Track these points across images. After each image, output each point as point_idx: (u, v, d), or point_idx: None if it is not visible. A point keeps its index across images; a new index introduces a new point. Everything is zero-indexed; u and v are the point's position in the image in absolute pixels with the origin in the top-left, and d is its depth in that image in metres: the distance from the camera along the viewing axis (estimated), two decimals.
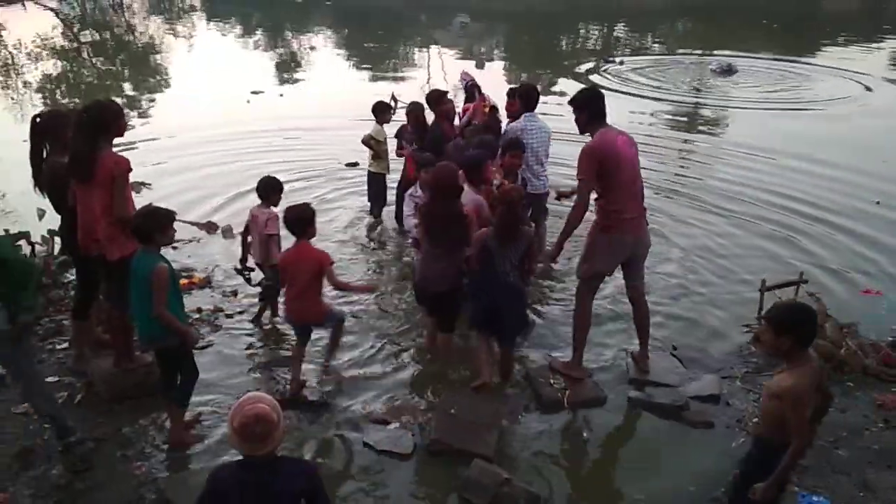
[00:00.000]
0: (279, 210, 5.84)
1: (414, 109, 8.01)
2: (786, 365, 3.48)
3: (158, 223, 4.36)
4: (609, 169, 5.01)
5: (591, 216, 5.29)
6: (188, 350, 4.60)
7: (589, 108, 5.17)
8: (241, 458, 2.94)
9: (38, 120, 5.21)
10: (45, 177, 5.12)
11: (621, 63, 19.32)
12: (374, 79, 17.93)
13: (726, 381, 5.52)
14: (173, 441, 4.67)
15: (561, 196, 6.32)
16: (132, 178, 4.91)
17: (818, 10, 30.48)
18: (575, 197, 5.24)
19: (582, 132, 5.25)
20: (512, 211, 4.93)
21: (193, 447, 4.67)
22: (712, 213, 9.07)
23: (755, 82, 17.52)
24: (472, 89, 8.20)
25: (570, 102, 5.26)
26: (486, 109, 7.65)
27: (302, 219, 5.00)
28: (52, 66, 19.33)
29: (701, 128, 13.67)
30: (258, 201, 6.01)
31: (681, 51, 22.59)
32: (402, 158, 7.97)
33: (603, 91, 5.59)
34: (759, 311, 6.28)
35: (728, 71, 18.45)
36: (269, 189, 5.95)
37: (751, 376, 5.59)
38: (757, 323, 6.21)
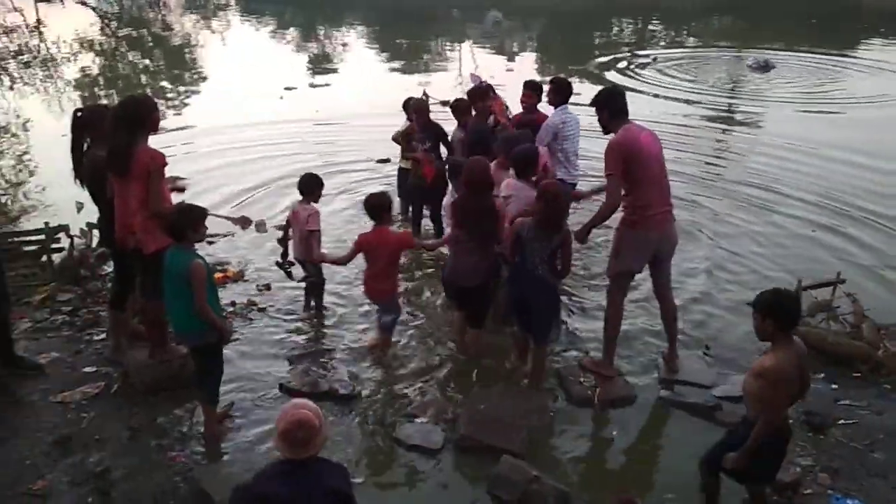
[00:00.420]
0: (318, 206, 6.05)
1: (419, 108, 7.63)
2: (770, 347, 3.72)
3: (191, 220, 4.42)
4: (633, 165, 4.97)
5: (617, 213, 5.25)
6: (222, 344, 4.66)
7: (609, 106, 5.14)
8: (282, 458, 3.04)
9: (79, 114, 5.32)
10: (86, 170, 5.23)
11: (655, 60, 19.12)
12: (406, 74, 17.96)
13: None
14: (207, 434, 4.74)
15: (577, 197, 6.30)
16: (167, 172, 4.99)
17: (857, 6, 29.81)
18: (604, 195, 5.19)
19: (605, 132, 5.20)
20: (554, 204, 4.92)
21: (228, 438, 4.74)
22: (749, 208, 8.95)
23: (792, 78, 17.24)
24: (486, 90, 7.81)
25: (592, 103, 5.23)
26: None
27: (381, 205, 5.44)
28: (90, 62, 19.66)
29: (736, 126, 13.45)
30: (292, 196, 6.09)
31: (716, 45, 22.32)
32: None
33: (627, 89, 5.56)
34: None
35: (765, 67, 18.16)
36: (312, 185, 6.05)
37: None
38: None
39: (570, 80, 7.43)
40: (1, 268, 5.18)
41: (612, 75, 17.22)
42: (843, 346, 5.66)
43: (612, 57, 19.67)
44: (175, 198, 5.44)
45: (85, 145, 5.28)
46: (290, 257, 6.20)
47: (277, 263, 6.30)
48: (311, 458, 3.01)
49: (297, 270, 6.32)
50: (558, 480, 4.33)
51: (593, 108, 5.20)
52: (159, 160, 4.80)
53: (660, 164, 5.17)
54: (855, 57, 19.86)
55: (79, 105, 10.77)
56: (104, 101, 14.19)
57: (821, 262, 7.42)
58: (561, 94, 7.03)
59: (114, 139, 4.83)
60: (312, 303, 6.36)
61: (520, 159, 5.66)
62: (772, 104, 14.72)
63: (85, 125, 5.25)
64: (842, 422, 4.97)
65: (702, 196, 9.19)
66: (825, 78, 17.31)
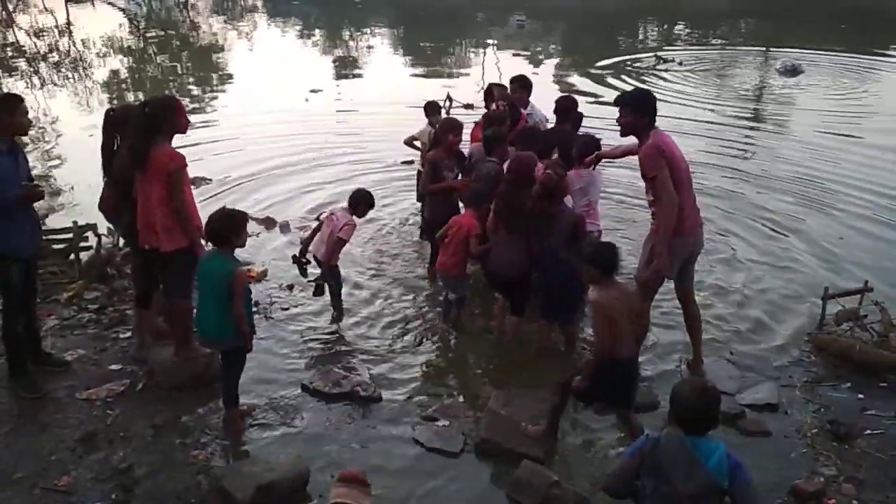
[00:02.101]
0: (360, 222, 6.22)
1: (453, 129, 6.63)
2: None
3: (235, 226, 4.46)
4: (671, 170, 4.91)
5: (630, 216, 5.21)
6: (245, 351, 4.70)
7: (647, 114, 5.01)
8: None
9: (111, 113, 5.39)
10: (116, 169, 5.28)
11: (681, 63, 18.99)
12: (430, 77, 17.99)
13: (785, 389, 5.39)
14: (227, 433, 4.78)
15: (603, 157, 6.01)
16: (193, 172, 5.04)
17: (888, 9, 29.40)
18: (651, 197, 5.11)
19: (628, 135, 5.10)
20: (546, 197, 5.27)
21: (250, 438, 4.77)
22: (776, 214, 8.87)
23: (822, 82, 17.06)
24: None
25: (624, 103, 5.07)
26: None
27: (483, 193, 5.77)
28: (118, 63, 19.92)
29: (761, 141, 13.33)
30: (317, 198, 6.11)
31: (743, 47, 22.15)
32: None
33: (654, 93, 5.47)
34: (821, 321, 6.12)
35: (793, 71, 17.97)
36: (361, 202, 6.09)
37: (810, 385, 5.44)
38: (819, 331, 6.05)
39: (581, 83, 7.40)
40: (35, 263, 5.25)
41: (630, 79, 17.12)
42: (870, 354, 5.57)
43: (633, 58, 19.59)
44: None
45: (115, 144, 5.35)
46: (309, 255, 6.22)
47: (294, 256, 6.35)
48: None
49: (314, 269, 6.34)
50: (578, 486, 4.31)
51: (620, 108, 5.07)
52: (178, 161, 4.85)
53: (689, 170, 5.13)
54: (886, 57, 19.62)
55: (107, 105, 10.94)
56: (134, 102, 14.36)
57: (846, 271, 7.33)
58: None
59: (133, 138, 4.91)
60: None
61: (584, 147, 5.92)
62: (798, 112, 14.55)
63: (116, 124, 5.31)
64: (868, 431, 4.89)
65: (727, 200, 9.12)
66: (856, 81, 17.11)
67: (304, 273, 6.33)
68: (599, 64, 18.75)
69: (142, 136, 4.84)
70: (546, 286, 5.49)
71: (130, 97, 15.66)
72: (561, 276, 5.31)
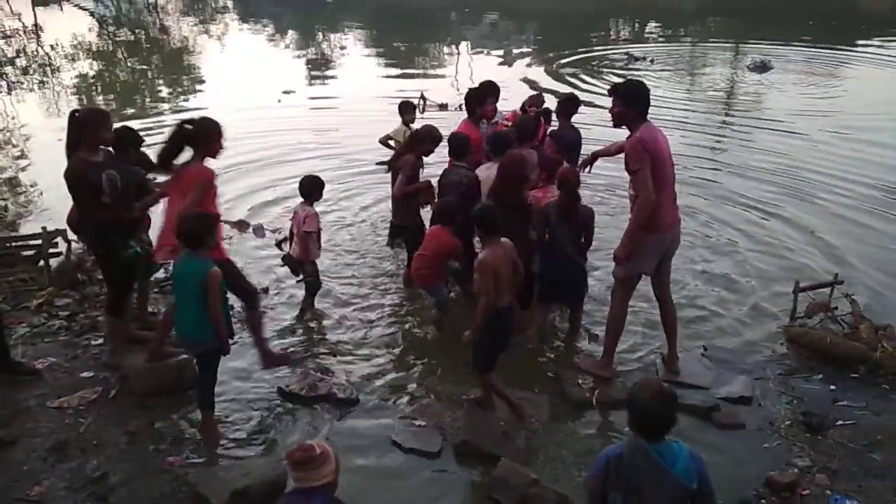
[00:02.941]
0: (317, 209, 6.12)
1: (423, 137, 6.52)
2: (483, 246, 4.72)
3: (208, 226, 4.44)
4: (654, 165, 4.90)
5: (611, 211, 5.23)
6: (219, 355, 4.66)
7: (640, 102, 4.97)
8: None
9: (76, 114, 5.31)
10: (67, 171, 5.10)
11: (652, 61, 19.14)
12: (404, 78, 17.97)
13: (759, 382, 5.46)
14: (203, 438, 4.73)
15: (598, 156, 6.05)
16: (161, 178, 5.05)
17: (855, 9, 29.86)
18: (633, 192, 5.07)
19: (619, 126, 5.08)
20: (574, 193, 5.54)
21: (225, 443, 4.72)
22: (749, 208, 9.01)
23: (791, 78, 17.30)
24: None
25: (617, 93, 5.04)
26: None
27: (453, 207, 5.76)
28: (87, 67, 19.66)
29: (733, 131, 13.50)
30: (293, 200, 6.10)
31: (713, 41, 22.42)
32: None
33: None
34: (793, 313, 6.19)
35: (763, 67, 18.21)
36: (312, 187, 6.07)
37: (783, 378, 5.51)
38: (791, 324, 6.12)
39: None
40: None
41: (602, 77, 17.23)
42: (842, 346, 5.66)
43: (605, 57, 19.71)
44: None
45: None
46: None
47: (283, 259, 6.40)
48: (310, 492, 3.04)
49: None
50: (557, 484, 4.32)
51: (613, 98, 5.04)
52: (207, 175, 4.95)
53: (673, 166, 5.13)
54: (852, 51, 19.97)
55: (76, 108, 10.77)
56: (102, 106, 14.20)
57: (819, 260, 7.46)
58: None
59: (162, 150, 5.03)
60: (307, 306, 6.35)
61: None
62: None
63: (81, 126, 5.22)
64: (840, 422, 4.97)
65: (699, 197, 9.21)
66: (824, 77, 17.37)
67: (295, 273, 6.39)
68: (570, 61, 18.85)
69: (169, 151, 4.98)
70: (551, 275, 5.72)
71: (100, 100, 15.46)
72: (567, 265, 5.66)
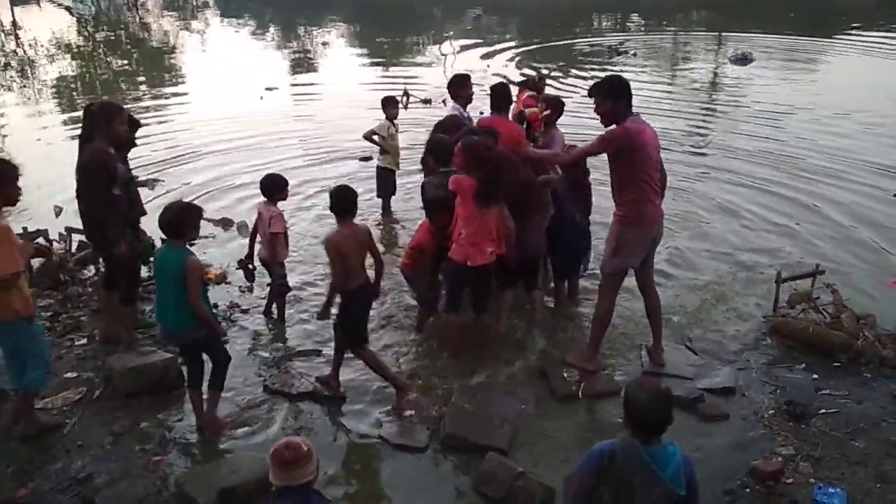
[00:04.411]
0: (282, 207, 6.04)
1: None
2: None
3: (190, 218, 4.45)
4: (634, 157, 4.89)
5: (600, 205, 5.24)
6: (217, 338, 4.70)
7: (623, 97, 4.94)
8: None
9: (91, 108, 5.36)
10: (85, 160, 5.19)
11: (635, 55, 19.20)
12: (387, 73, 17.93)
13: (742, 372, 5.50)
14: (206, 422, 4.74)
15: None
16: (145, 174, 5.00)
17: (832, 3, 30.13)
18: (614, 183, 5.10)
19: (610, 124, 5.02)
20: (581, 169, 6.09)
21: (209, 441, 4.71)
22: (730, 196, 9.09)
23: (772, 69, 17.46)
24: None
25: (598, 92, 5.00)
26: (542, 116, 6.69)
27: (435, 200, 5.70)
28: (67, 65, 19.48)
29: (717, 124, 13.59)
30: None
31: (695, 32, 22.57)
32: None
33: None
34: (775, 304, 6.24)
35: (744, 59, 18.34)
36: (273, 188, 5.90)
37: (766, 368, 5.56)
38: (773, 314, 6.18)
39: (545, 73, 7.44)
40: None
41: (585, 71, 17.28)
42: (824, 336, 5.71)
43: (588, 50, 19.76)
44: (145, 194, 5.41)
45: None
46: (257, 260, 6.13)
47: (240, 262, 6.28)
48: (297, 490, 3.03)
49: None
50: (543, 476, 4.34)
51: (595, 98, 5.00)
52: None
53: (658, 161, 5.12)
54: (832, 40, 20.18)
55: (56, 108, 10.69)
56: (80, 104, 14.06)
57: (803, 248, 7.53)
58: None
59: None
60: (274, 307, 6.24)
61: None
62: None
63: (95, 118, 5.23)
64: (823, 411, 5.02)
65: (681, 191, 9.26)
66: (803, 71, 17.52)
67: (249, 277, 6.30)
68: (553, 56, 18.88)
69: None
70: (565, 250, 6.13)
71: (80, 98, 15.31)
72: (581, 240, 6.22)
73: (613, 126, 4.97)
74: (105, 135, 5.15)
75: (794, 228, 8.17)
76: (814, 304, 6.19)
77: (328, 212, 5.79)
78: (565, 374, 5.42)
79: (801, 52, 19.10)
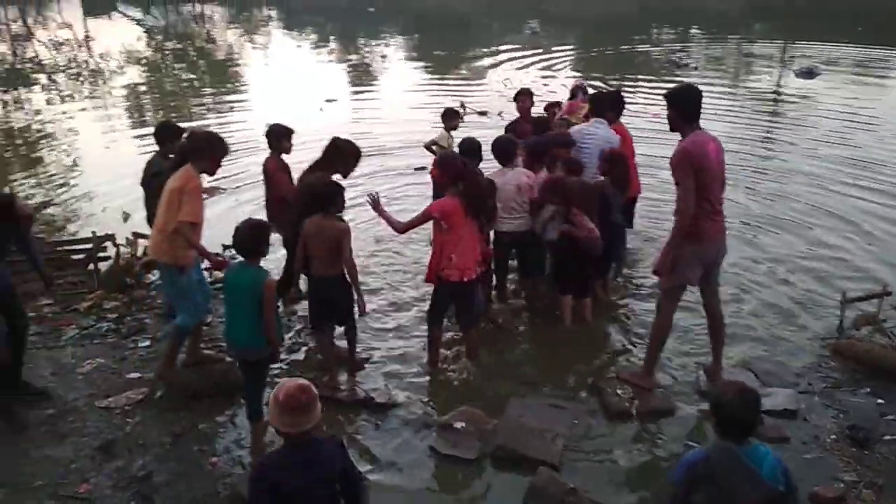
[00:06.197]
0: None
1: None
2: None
3: (263, 237, 4.47)
4: (699, 175, 4.80)
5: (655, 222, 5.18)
6: (274, 361, 4.76)
7: (686, 106, 4.91)
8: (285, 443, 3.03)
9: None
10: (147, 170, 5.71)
11: (695, 68, 18.93)
12: (444, 85, 18.05)
13: (804, 395, 5.34)
14: (253, 448, 4.71)
15: None
16: (209, 182, 5.16)
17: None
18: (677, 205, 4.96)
19: (674, 130, 4.99)
20: (624, 165, 6.41)
21: (266, 447, 4.77)
22: (795, 214, 8.89)
23: (840, 83, 17.03)
24: (576, 90, 8.96)
25: (666, 97, 4.99)
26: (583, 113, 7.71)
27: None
28: (136, 74, 20.14)
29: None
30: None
31: (760, 42, 22.14)
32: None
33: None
34: (840, 326, 6.06)
35: (809, 73, 17.92)
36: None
37: (829, 391, 5.39)
38: (837, 336, 6.00)
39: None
40: (14, 289, 5.13)
41: (643, 84, 17.10)
42: (890, 359, 5.52)
43: (647, 64, 19.55)
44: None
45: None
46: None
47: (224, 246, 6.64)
48: (311, 439, 2.99)
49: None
50: (594, 493, 4.29)
51: (666, 104, 4.99)
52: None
53: (722, 176, 5.02)
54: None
55: (125, 117, 11.00)
56: (149, 111, 14.54)
57: (869, 272, 7.29)
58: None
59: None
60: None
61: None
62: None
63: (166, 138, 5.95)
64: (887, 437, 4.85)
65: (751, 201, 9.08)
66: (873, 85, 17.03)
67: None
68: (614, 67, 18.75)
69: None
70: (608, 250, 6.28)
71: (149, 108, 15.80)
72: (618, 237, 6.50)
73: (676, 148, 4.89)
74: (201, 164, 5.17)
75: (861, 249, 7.92)
76: (880, 326, 5.99)
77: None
78: (619, 391, 5.35)
79: (871, 71, 18.51)
